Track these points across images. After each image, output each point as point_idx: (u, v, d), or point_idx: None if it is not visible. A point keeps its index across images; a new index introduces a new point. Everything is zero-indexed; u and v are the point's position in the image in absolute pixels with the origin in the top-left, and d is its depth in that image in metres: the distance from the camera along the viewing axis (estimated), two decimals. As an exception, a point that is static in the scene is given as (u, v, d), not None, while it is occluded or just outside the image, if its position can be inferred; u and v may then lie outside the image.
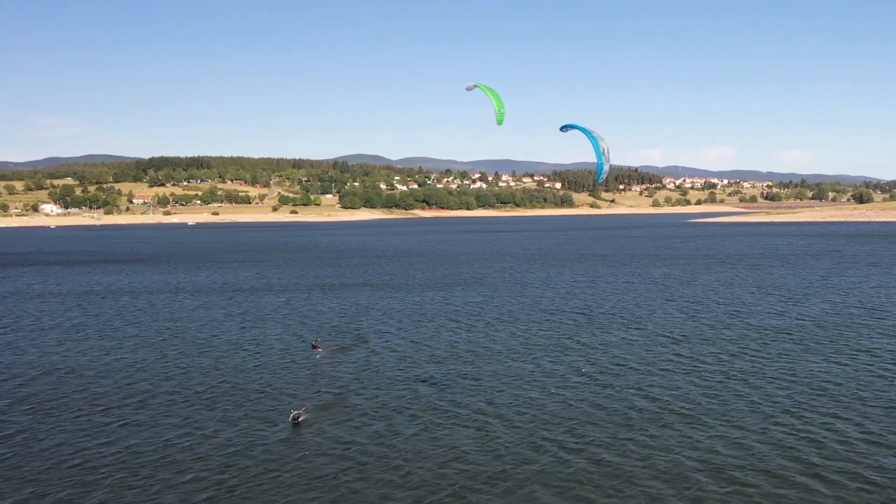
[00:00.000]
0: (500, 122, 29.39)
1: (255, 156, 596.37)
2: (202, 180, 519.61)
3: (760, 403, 29.47)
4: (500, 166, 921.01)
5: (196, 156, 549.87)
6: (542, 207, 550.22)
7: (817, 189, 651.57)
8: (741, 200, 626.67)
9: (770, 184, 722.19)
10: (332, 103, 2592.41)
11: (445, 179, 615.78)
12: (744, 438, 25.40)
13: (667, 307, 56.14)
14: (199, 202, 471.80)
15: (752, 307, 55.21)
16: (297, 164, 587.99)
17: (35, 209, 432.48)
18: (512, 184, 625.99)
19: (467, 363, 37.78)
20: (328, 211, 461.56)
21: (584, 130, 28.42)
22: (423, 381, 33.99)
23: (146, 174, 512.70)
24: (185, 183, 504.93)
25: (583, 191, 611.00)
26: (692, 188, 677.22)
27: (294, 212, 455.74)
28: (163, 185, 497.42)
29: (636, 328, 47.10)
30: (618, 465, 23.23)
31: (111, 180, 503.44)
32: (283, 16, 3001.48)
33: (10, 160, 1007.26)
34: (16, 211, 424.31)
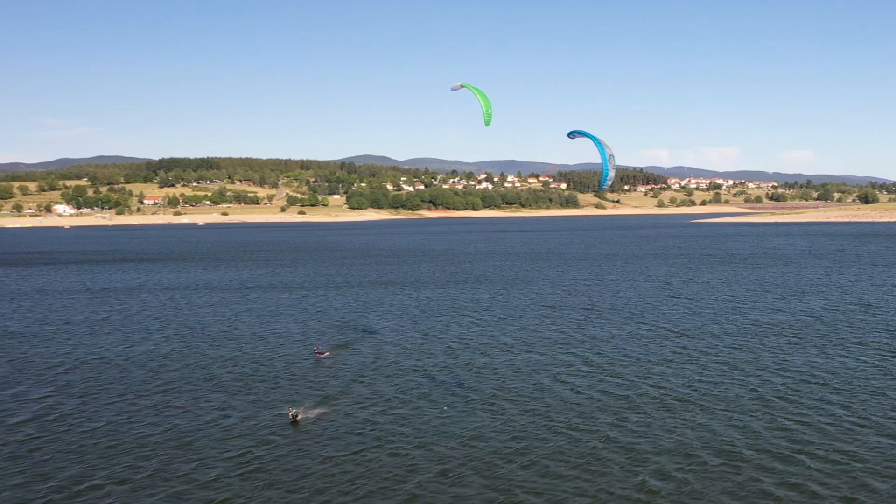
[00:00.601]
0: (487, 123, 29.19)
1: (264, 157, 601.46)
2: (211, 181, 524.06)
3: (756, 389, 31.61)
4: (505, 167, 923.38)
5: (205, 157, 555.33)
6: (548, 208, 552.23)
7: (823, 190, 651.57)
8: (746, 201, 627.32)
9: (775, 184, 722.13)
10: (339, 104, 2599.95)
11: (451, 180, 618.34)
12: (739, 420, 27.54)
13: (669, 303, 58.34)
14: (208, 203, 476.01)
15: (752, 303, 57.32)
16: (305, 164, 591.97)
17: (48, 210, 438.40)
18: (517, 184, 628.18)
19: (478, 354, 39.90)
20: (335, 211, 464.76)
21: (591, 137, 28.95)
22: (437, 370, 36.17)
23: (156, 175, 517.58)
24: (194, 184, 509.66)
25: (588, 191, 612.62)
26: (697, 189, 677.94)
27: (302, 212, 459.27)
28: (173, 185, 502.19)
29: (639, 322, 49.30)
30: (626, 442, 25.32)
31: (122, 181, 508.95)
32: (290, 18, 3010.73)
33: (21, 161, 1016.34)
34: (29, 211, 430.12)
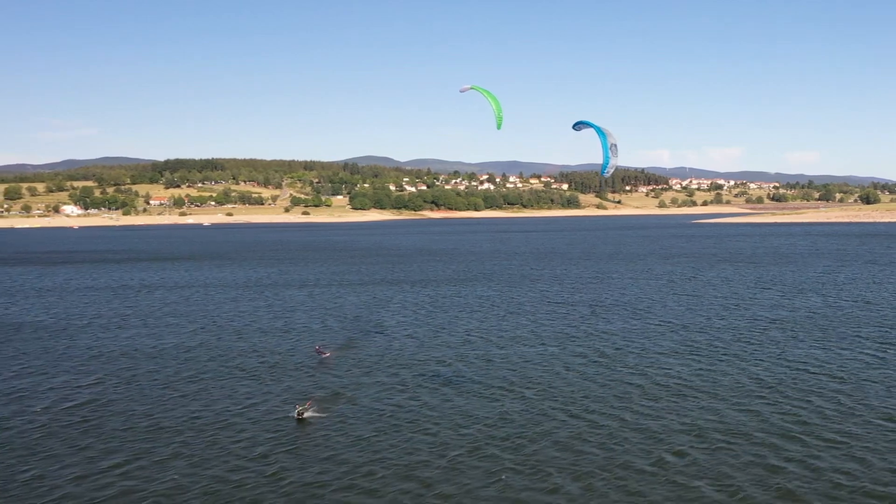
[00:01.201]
0: (499, 126, 29.70)
1: (267, 157, 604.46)
2: (216, 182, 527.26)
3: (757, 377, 33.67)
4: (507, 167, 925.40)
5: (210, 158, 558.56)
6: (549, 208, 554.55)
7: (824, 190, 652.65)
8: (747, 201, 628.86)
9: (777, 185, 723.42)
10: (341, 105, 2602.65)
11: (454, 181, 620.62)
12: (743, 403, 29.62)
13: (673, 299, 60.40)
14: (213, 203, 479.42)
15: (753, 300, 59.35)
16: (308, 165, 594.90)
17: (56, 210, 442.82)
18: (519, 185, 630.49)
19: (493, 346, 41.89)
20: (339, 212, 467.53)
21: (594, 126, 29.17)
22: (439, 364, 38.02)
23: (162, 176, 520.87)
24: (199, 184, 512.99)
25: (589, 192, 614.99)
26: (698, 189, 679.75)
27: (306, 213, 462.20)
28: (178, 186, 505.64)
29: (645, 317, 51.34)
30: (640, 424, 27.29)
31: (128, 182, 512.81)
32: (291, 18, 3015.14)
33: (27, 162, 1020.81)
34: (38, 212, 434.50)
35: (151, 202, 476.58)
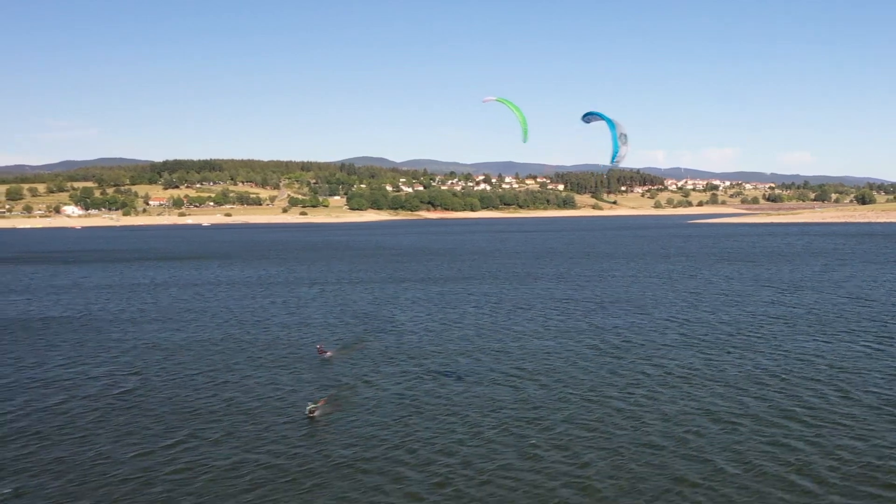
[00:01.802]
0: (525, 140, 30.01)
1: (265, 158, 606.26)
2: (214, 182, 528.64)
3: (751, 369, 35.47)
4: (503, 168, 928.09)
5: (208, 158, 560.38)
6: (545, 209, 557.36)
7: (820, 190, 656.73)
8: (743, 202, 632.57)
9: (772, 185, 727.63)
10: (338, 105, 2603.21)
11: (450, 181, 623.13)
12: (734, 393, 31.31)
13: (670, 296, 62.33)
14: (211, 203, 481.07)
15: (748, 296, 61.31)
16: (306, 166, 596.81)
17: (57, 211, 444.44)
18: (515, 185, 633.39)
19: (493, 341, 43.47)
20: (336, 212, 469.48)
21: (604, 117, 29.57)
22: (458, 355, 39.80)
23: (161, 176, 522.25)
24: (198, 185, 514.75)
25: (585, 192, 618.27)
26: (694, 190, 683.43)
27: (304, 213, 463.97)
28: (177, 187, 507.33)
29: (643, 313, 53.20)
30: (633, 411, 29.07)
31: (128, 182, 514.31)
32: (291, 18, 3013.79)
33: (26, 163, 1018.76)
34: (39, 212, 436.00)
35: (151, 203, 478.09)
